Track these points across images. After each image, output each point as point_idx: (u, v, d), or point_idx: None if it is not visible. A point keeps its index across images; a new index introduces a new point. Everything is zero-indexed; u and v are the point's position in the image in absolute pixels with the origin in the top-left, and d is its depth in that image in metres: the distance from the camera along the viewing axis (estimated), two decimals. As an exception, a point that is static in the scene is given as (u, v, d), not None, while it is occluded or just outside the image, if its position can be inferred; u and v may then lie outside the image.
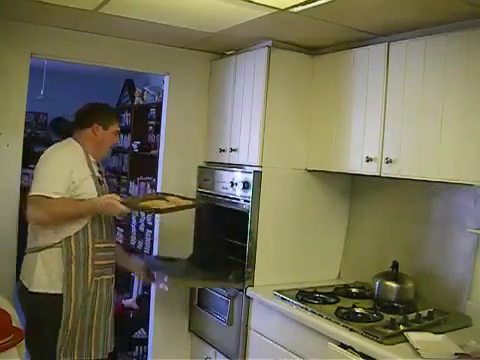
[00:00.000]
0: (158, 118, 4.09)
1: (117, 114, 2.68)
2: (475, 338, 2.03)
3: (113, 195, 2.38)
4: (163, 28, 2.72)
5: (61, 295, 2.25)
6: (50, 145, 2.51)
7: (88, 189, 2.35)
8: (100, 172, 2.52)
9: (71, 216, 2.28)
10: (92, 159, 2.47)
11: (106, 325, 2.42)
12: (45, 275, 2.25)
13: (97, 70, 3.99)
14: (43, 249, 2.27)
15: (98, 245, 2.35)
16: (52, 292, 2.25)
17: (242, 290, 2.81)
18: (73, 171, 2.32)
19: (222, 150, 3.10)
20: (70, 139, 2.49)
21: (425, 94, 2.25)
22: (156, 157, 3.41)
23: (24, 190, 2.76)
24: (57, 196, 2.21)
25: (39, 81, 4.94)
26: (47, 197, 2.19)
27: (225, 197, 2.98)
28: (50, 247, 2.26)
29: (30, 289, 2.26)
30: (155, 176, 3.51)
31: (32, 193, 2.21)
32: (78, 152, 2.42)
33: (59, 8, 2.42)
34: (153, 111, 4.64)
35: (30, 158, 5.76)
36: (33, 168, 5.97)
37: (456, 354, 1.88)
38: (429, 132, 2.22)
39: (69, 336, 2.28)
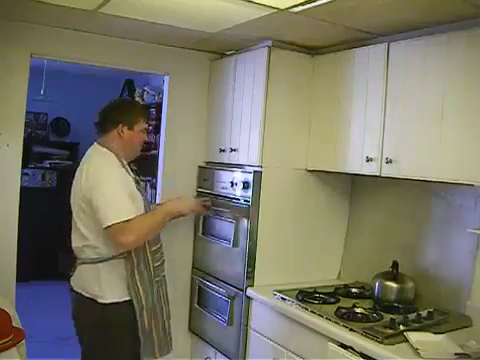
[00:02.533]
0: (158, 118, 4.09)
1: (144, 110, 2.47)
2: (475, 338, 2.03)
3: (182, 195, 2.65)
4: (163, 28, 2.72)
5: (130, 301, 2.23)
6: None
7: (137, 196, 2.31)
8: (133, 170, 2.44)
9: (154, 228, 2.29)
10: (125, 162, 2.35)
11: (169, 320, 2.45)
12: (111, 286, 2.23)
13: (97, 70, 4.00)
14: (103, 261, 2.22)
15: (153, 248, 2.34)
16: (123, 300, 2.23)
17: (242, 290, 2.81)
18: (124, 186, 2.25)
19: (222, 150, 3.10)
20: (98, 147, 2.31)
21: (425, 94, 2.25)
22: (156, 157, 3.41)
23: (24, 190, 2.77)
24: (131, 216, 2.16)
25: (39, 81, 4.94)
26: (124, 221, 2.13)
27: (225, 197, 2.98)
28: (111, 259, 2.22)
29: (101, 301, 2.21)
30: (155, 176, 3.50)
31: (110, 223, 2.11)
32: (114, 162, 2.28)
33: (59, 8, 2.42)
34: (153, 111, 4.64)
35: (30, 158, 5.85)
36: (33, 168, 5.97)
37: (456, 354, 1.88)
38: (429, 132, 2.22)
39: (148, 337, 2.29)
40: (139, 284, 2.25)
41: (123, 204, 2.18)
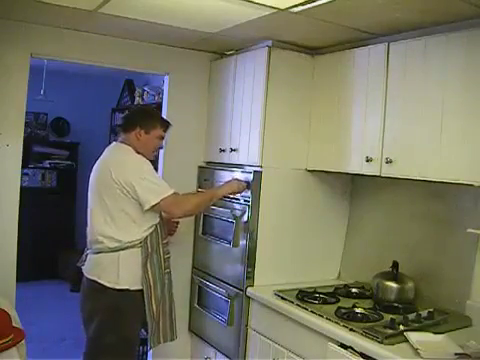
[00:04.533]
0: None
1: (163, 119, 2.68)
2: (475, 338, 2.03)
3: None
4: (163, 28, 2.72)
5: (141, 290, 2.44)
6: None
7: None
8: None
9: (202, 204, 2.68)
10: None
11: (175, 310, 2.65)
12: (128, 272, 2.43)
13: (97, 70, 4.00)
14: (124, 249, 2.41)
15: (163, 242, 2.56)
16: (134, 288, 2.44)
17: (242, 290, 2.81)
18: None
19: (222, 150, 3.10)
20: (120, 144, 2.55)
21: (425, 94, 2.25)
22: (156, 157, 3.41)
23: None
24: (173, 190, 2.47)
25: (39, 81, 4.94)
26: (173, 194, 2.45)
27: (225, 197, 2.98)
28: (131, 247, 2.42)
29: (116, 287, 2.41)
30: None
31: (163, 196, 2.40)
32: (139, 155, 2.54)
33: (59, 8, 2.42)
34: (153, 111, 4.64)
35: (30, 158, 5.85)
36: (33, 168, 6.00)
37: (456, 354, 1.88)
38: (429, 132, 2.22)
39: (155, 324, 2.50)
40: (150, 273, 2.45)
41: (165, 182, 2.51)
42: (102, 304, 2.43)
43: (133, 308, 2.46)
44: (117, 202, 2.42)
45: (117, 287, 2.41)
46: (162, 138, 2.62)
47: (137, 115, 2.68)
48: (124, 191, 2.40)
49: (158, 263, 2.50)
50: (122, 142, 2.56)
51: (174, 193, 2.46)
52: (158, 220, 2.54)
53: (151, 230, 2.49)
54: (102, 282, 2.42)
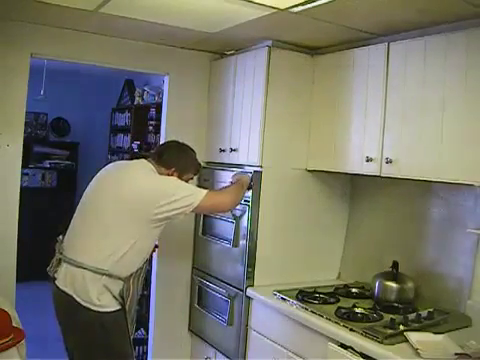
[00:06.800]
0: (158, 118, 4.09)
1: (197, 164, 2.67)
2: (475, 338, 2.03)
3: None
4: (163, 28, 2.72)
5: (120, 309, 2.32)
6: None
7: None
8: None
9: (241, 194, 2.65)
10: None
11: None
12: (108, 298, 2.29)
13: (97, 70, 4.00)
14: (109, 276, 2.28)
15: (142, 277, 2.47)
16: (114, 309, 2.31)
17: (242, 290, 2.81)
18: None
19: (222, 150, 3.10)
20: (153, 168, 2.48)
21: (425, 94, 2.25)
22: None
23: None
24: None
25: (39, 81, 4.94)
26: (209, 192, 2.45)
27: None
28: (117, 278, 2.30)
29: (93, 308, 2.26)
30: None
31: (202, 196, 2.39)
32: None
33: (59, 8, 2.42)
34: (153, 111, 4.64)
35: (30, 158, 5.85)
36: (33, 168, 5.98)
37: (456, 354, 1.88)
38: (429, 132, 2.22)
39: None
40: (128, 303, 2.32)
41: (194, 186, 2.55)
42: (88, 324, 2.28)
43: (119, 325, 2.33)
44: (132, 223, 2.30)
45: (95, 309, 2.25)
46: (190, 179, 2.64)
47: (177, 157, 2.58)
48: (149, 213, 2.30)
49: (136, 290, 2.38)
50: (151, 163, 2.50)
51: (209, 191, 2.47)
52: (149, 255, 2.49)
53: (138, 267, 2.38)
54: (78, 300, 2.25)
